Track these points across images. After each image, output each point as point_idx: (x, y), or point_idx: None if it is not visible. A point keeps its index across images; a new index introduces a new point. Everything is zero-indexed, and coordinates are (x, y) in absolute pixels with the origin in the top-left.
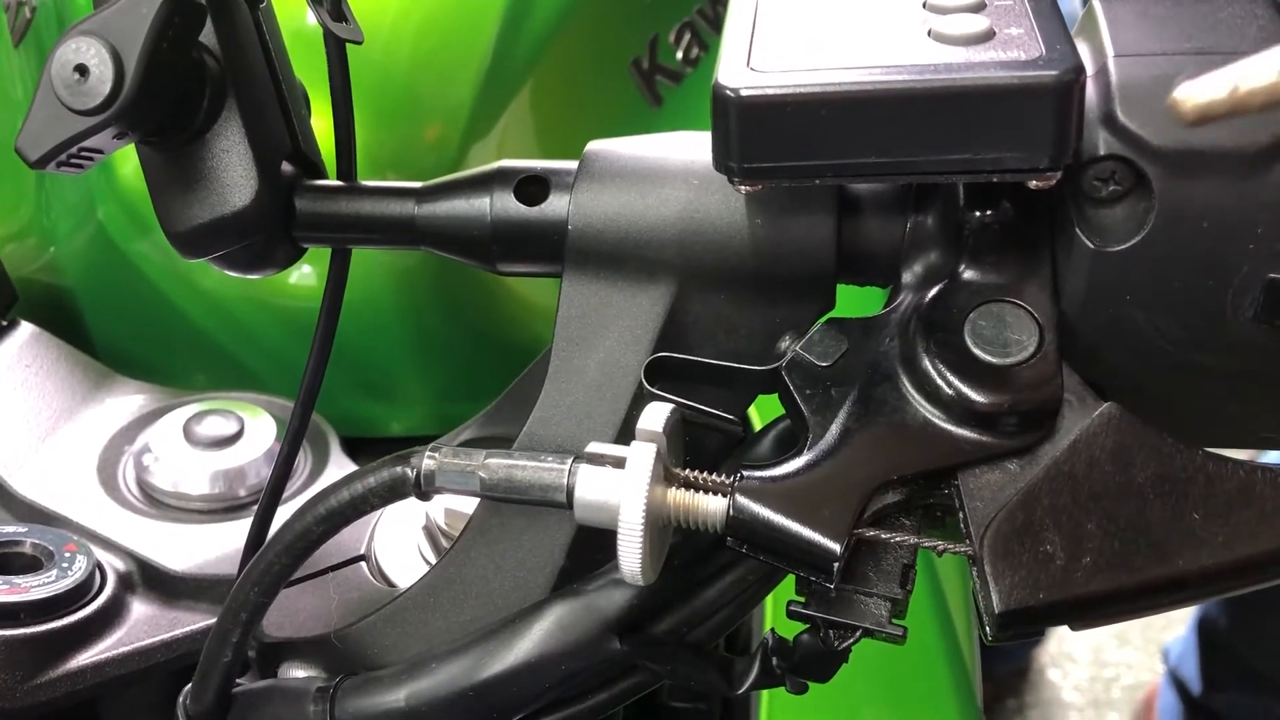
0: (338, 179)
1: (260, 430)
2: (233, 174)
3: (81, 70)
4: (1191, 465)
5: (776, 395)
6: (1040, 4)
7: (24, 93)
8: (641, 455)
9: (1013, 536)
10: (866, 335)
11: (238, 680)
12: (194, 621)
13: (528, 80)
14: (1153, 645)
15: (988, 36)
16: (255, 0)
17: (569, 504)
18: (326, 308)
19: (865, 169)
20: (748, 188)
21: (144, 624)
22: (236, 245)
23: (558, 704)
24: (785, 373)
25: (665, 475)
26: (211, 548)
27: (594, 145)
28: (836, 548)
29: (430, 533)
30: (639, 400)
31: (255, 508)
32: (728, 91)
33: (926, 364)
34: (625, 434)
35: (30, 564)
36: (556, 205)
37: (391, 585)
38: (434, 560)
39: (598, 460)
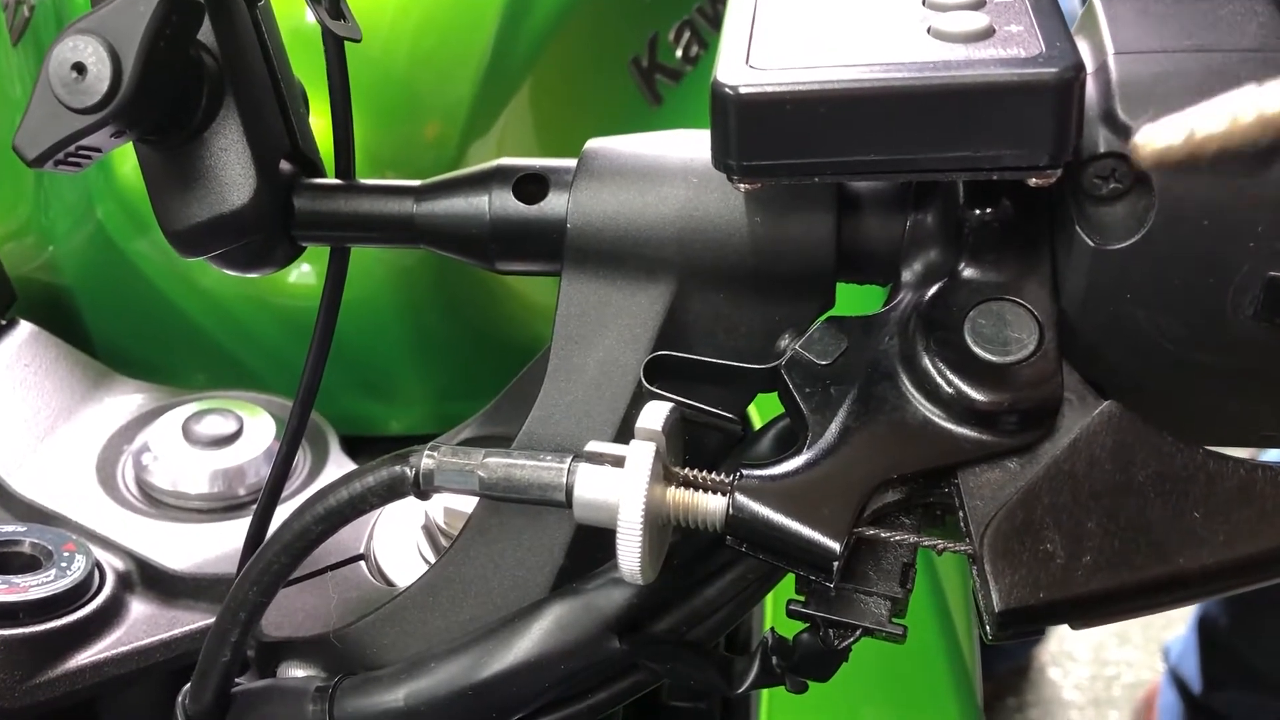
0: (336, 177)
1: (259, 429)
2: (231, 172)
3: (79, 68)
4: (1192, 464)
5: (776, 394)
6: (1040, 1)
7: (22, 91)
8: (641, 454)
9: (1013, 535)
10: (866, 334)
11: (237, 680)
12: (193, 621)
13: (527, 78)
14: (1153, 644)
15: (987, 34)
16: None
17: (568, 503)
18: (325, 306)
19: (865, 167)
20: (747, 186)
21: (143, 623)
22: (235, 244)
23: (557, 703)
24: (785, 371)
25: (665, 474)
26: (210, 547)
27: (593, 143)
28: (836, 546)
29: (429, 532)
30: (638, 399)
31: (254, 507)
32: (727, 89)
33: (926, 362)
34: (624, 433)
35: (29, 563)
36: (555, 203)
37: (391, 585)
38: (433, 559)
39: (597, 459)
